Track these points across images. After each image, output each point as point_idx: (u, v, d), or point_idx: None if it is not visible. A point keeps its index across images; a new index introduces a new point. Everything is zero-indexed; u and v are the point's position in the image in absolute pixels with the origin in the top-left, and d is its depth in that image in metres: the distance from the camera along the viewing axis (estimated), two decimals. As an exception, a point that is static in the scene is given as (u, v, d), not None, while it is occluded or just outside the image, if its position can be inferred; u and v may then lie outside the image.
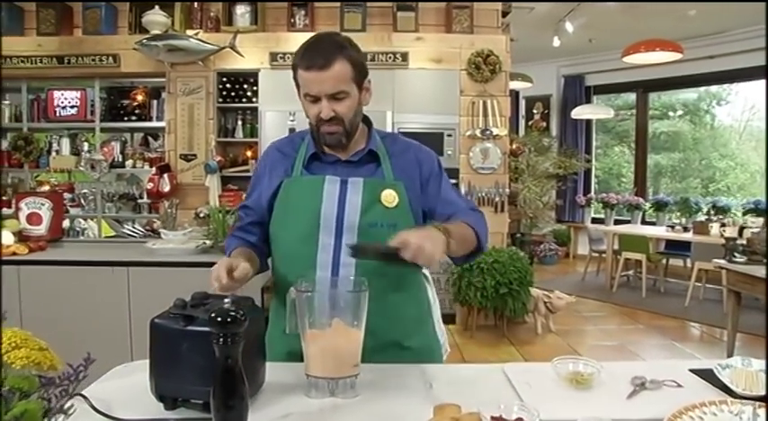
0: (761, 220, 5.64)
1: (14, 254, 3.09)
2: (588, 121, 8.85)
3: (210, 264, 2.86)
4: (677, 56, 5.74)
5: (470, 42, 4.92)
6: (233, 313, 0.91)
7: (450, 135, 4.97)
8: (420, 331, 1.55)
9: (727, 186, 8.09)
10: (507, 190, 5.06)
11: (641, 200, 7.68)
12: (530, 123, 9.24)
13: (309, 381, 1.18)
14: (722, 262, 4.23)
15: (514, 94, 9.28)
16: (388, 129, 4.80)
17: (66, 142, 5.09)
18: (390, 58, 4.89)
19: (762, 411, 1.09)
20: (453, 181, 4.74)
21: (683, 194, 7.65)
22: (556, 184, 8.71)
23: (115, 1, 5.01)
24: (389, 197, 1.43)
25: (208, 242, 3.05)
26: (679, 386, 1.25)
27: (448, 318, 5.02)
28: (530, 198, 8.37)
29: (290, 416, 1.10)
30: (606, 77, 8.51)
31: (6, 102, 5.19)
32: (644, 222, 7.73)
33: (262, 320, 1.21)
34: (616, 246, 6.65)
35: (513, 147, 6.31)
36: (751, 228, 5.13)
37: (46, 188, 5.04)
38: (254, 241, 1.53)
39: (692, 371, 1.34)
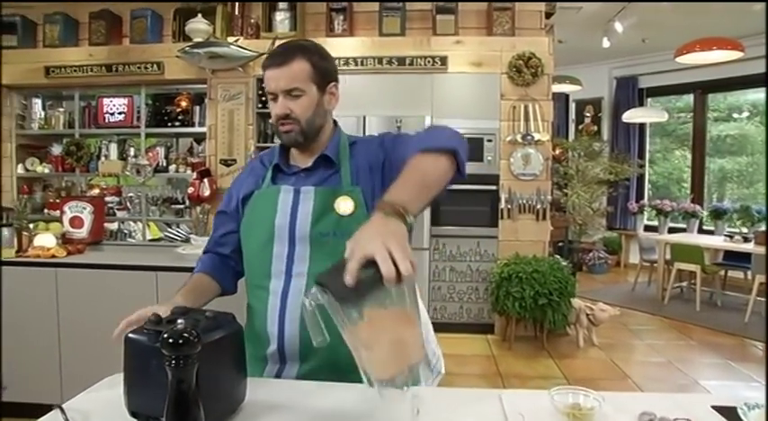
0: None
1: (53, 256, 3.19)
2: (642, 125, 8.50)
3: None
4: (737, 55, 5.41)
5: (511, 45, 4.79)
6: (186, 335, 0.86)
7: (490, 140, 4.85)
8: None
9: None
10: (549, 197, 4.88)
11: (698, 207, 7.29)
12: (580, 127, 8.95)
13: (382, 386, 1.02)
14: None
15: (564, 98, 9.04)
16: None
17: (114, 147, 5.26)
18: (429, 62, 4.82)
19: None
20: (493, 187, 4.72)
21: (751, 201, 7.21)
22: (607, 190, 8.40)
23: (159, 0, 5.10)
24: (344, 205, 1.39)
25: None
26: (691, 423, 1.13)
27: (486, 328, 4.91)
28: (579, 204, 8.11)
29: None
30: (661, 79, 8.15)
31: (61, 109, 5.41)
32: (701, 231, 7.34)
33: (240, 336, 1.17)
34: (668, 256, 6.33)
35: (556, 152, 6.09)
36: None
37: (96, 192, 5.22)
38: (227, 253, 1.55)
39: (714, 408, 1.22)
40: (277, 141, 4.84)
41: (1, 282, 3.05)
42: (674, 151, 8.86)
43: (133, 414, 1.08)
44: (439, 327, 5.03)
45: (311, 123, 1.43)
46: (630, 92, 8.52)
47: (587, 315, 4.61)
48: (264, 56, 4.66)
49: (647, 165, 8.67)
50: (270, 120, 1.60)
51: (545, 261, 4.55)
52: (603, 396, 1.15)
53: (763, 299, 5.45)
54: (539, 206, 4.82)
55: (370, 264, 0.95)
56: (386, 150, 1.45)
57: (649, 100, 8.64)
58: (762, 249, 5.50)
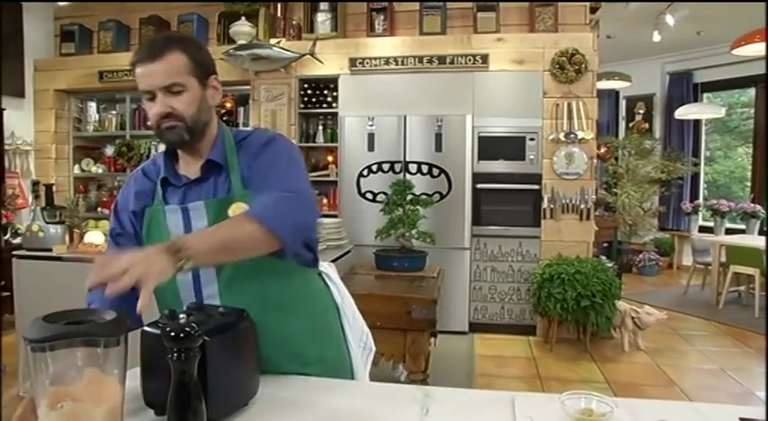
0: None
1: (101, 252, 3.34)
2: (697, 122, 8.15)
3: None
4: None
5: (554, 41, 4.69)
6: (187, 329, 0.89)
7: (532, 139, 4.76)
8: (319, 344, 1.42)
9: None
10: (594, 196, 4.76)
11: (758, 207, 6.93)
12: (630, 125, 8.66)
13: None
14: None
15: (614, 95, 8.78)
16: (468, 134, 4.71)
17: (162, 148, 5.43)
18: (470, 60, 4.77)
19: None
20: (535, 186, 4.64)
21: None
22: (659, 190, 8.10)
23: (206, 1, 5.24)
24: (239, 212, 1.25)
25: (272, 246, 3.13)
26: (712, 433, 1.08)
27: (528, 330, 4.83)
28: (629, 204, 7.86)
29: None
30: (718, 73, 7.78)
31: (114, 112, 5.66)
32: (762, 233, 6.98)
33: (252, 332, 1.19)
34: (724, 259, 6.05)
35: (602, 151, 5.92)
36: None
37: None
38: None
39: (742, 420, 1.16)
40: (319, 140, 4.90)
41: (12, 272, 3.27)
42: (737, 148, 8.43)
43: (149, 403, 1.12)
44: (479, 328, 5.01)
45: (196, 120, 1.30)
46: (685, 87, 8.18)
47: (633, 318, 4.45)
48: (306, 56, 4.75)
49: (702, 163, 8.31)
50: (148, 123, 1.38)
51: (588, 262, 4.43)
52: (617, 402, 1.11)
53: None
54: (582, 206, 4.70)
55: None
56: (251, 171, 1.33)
57: (705, 95, 8.27)
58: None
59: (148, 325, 1.13)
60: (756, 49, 5.19)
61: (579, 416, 1.09)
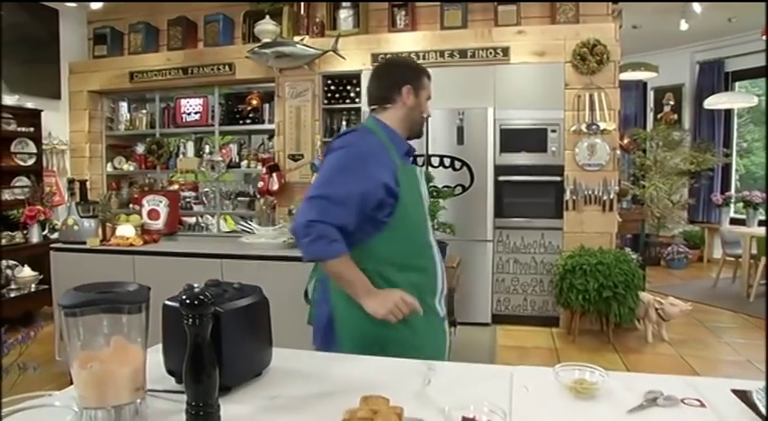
0: None
1: (132, 245, 3.48)
2: (728, 112, 7.98)
3: (296, 259, 3.02)
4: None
5: (575, 32, 4.67)
6: (201, 297, 0.97)
7: (554, 131, 4.75)
8: None
9: None
10: (617, 187, 4.73)
11: (792, 198, 6.78)
12: (659, 116, 8.53)
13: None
14: None
15: (641, 86, 8.66)
16: (490, 127, 4.75)
17: (190, 145, 5.61)
18: (491, 53, 4.79)
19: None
20: (557, 178, 4.64)
21: None
22: (688, 182, 7.97)
23: (231, 1, 5.37)
24: None
25: (294, 237, 3.21)
26: (702, 405, 1.12)
27: (551, 321, 4.84)
28: (657, 196, 7.76)
29: (277, 398, 1.15)
30: (751, 61, 7.60)
31: (144, 111, 5.83)
32: (796, 224, 6.82)
33: (265, 306, 1.27)
34: (755, 251, 5.95)
35: (624, 142, 5.86)
36: None
37: (175, 187, 5.60)
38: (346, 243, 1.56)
39: (734, 391, 1.20)
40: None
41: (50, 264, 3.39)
42: (776, 139, 8.21)
43: (169, 371, 1.21)
44: (502, 319, 5.04)
45: None
46: (715, 76, 8.02)
47: (656, 309, 4.43)
48: (328, 53, 4.82)
49: (734, 154, 8.14)
50: (424, 115, 1.79)
51: (610, 253, 4.42)
52: (610, 373, 1.16)
53: None
54: (605, 197, 4.68)
55: None
56: None
57: (737, 84, 8.10)
58: None
59: (168, 299, 1.23)
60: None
61: (572, 385, 1.15)
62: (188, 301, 0.97)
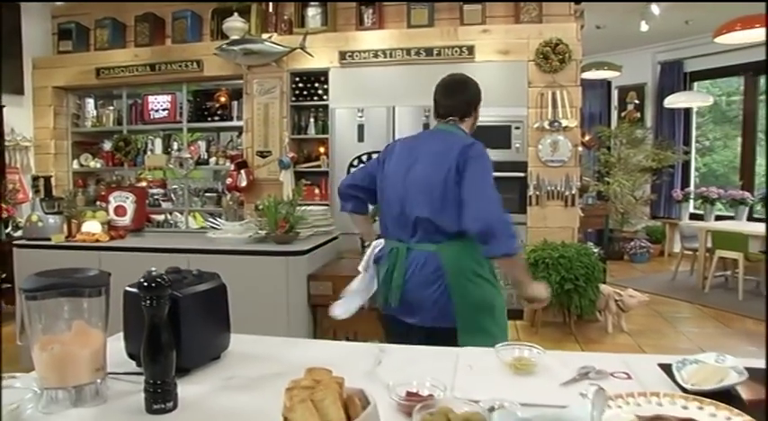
0: None
1: (98, 240, 3.48)
2: (687, 111, 8.25)
3: (263, 253, 3.06)
4: (781, 33, 5.20)
5: (538, 32, 4.80)
6: (158, 279, 1.03)
7: (518, 128, 4.87)
8: None
9: None
10: (578, 183, 4.88)
11: (747, 194, 7.04)
12: (623, 114, 8.76)
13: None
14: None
15: (606, 85, 8.88)
16: (455, 124, 4.83)
17: (158, 142, 5.59)
18: (456, 51, 4.89)
19: (694, 404, 1.05)
20: (521, 174, 4.77)
21: None
22: (650, 179, 8.22)
23: (198, 1, 5.37)
24: None
25: (261, 232, 3.26)
26: (629, 378, 1.22)
27: (516, 314, 4.94)
28: (620, 192, 7.98)
29: (233, 379, 1.21)
30: (708, 62, 7.88)
31: (111, 107, 5.79)
32: (752, 219, 7.09)
33: (222, 292, 1.33)
34: (710, 244, 6.18)
35: (586, 139, 6.03)
36: None
37: (143, 184, 5.57)
38: None
39: (660, 365, 1.30)
40: (310, 132, 5.01)
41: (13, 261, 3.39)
42: (736, 138, 8.46)
43: (130, 356, 1.26)
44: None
45: None
46: (676, 76, 8.28)
47: (616, 301, 4.59)
48: (296, 50, 4.86)
49: (692, 151, 8.41)
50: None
51: (572, 247, 4.55)
52: (547, 351, 1.25)
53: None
54: (567, 192, 4.82)
55: None
56: None
57: (696, 84, 8.37)
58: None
59: (129, 286, 1.28)
60: (738, 37, 5.30)
61: (512, 362, 1.23)
62: (146, 284, 1.02)
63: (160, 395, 1.04)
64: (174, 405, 1.06)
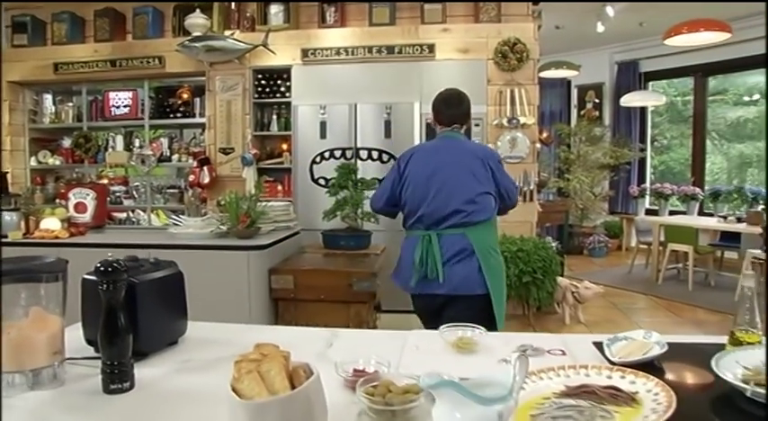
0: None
1: (57, 237, 3.45)
2: (643, 109, 8.54)
3: (224, 248, 3.08)
4: (725, 36, 5.44)
5: (497, 31, 4.92)
6: (114, 264, 1.07)
7: (477, 125, 4.97)
8: None
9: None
10: (536, 179, 5.03)
11: (697, 190, 7.33)
12: (582, 113, 9.01)
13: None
14: (757, 251, 4.06)
15: (566, 84, 9.11)
16: (416, 120, 4.93)
17: (120, 139, 5.53)
18: (417, 50, 4.98)
19: (616, 374, 1.15)
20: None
21: None
22: (609, 175, 8.47)
23: (159, 0, 5.34)
24: None
25: (222, 227, 3.28)
26: (563, 354, 1.31)
27: (476, 307, 5.07)
28: (580, 189, 8.21)
29: (189, 361, 1.26)
30: (661, 63, 8.17)
31: (70, 104, 5.70)
32: (703, 213, 7.39)
33: (179, 279, 1.38)
34: (663, 238, 6.42)
35: (543, 136, 6.21)
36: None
37: (104, 182, 5.50)
38: None
39: (594, 343, 1.40)
40: (273, 129, 5.03)
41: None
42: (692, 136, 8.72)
43: (88, 342, 1.30)
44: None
45: None
46: (632, 76, 8.55)
47: (573, 293, 4.75)
48: (259, 47, 4.88)
49: (648, 149, 8.71)
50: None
51: (530, 241, 4.69)
52: (489, 334, 1.33)
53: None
54: (526, 188, 4.96)
55: None
56: None
57: (651, 84, 8.66)
58: (753, 229, 5.57)
59: (87, 274, 1.31)
60: (685, 39, 5.54)
61: (455, 341, 1.32)
62: (102, 269, 1.07)
63: (117, 376, 1.08)
64: (131, 385, 1.11)
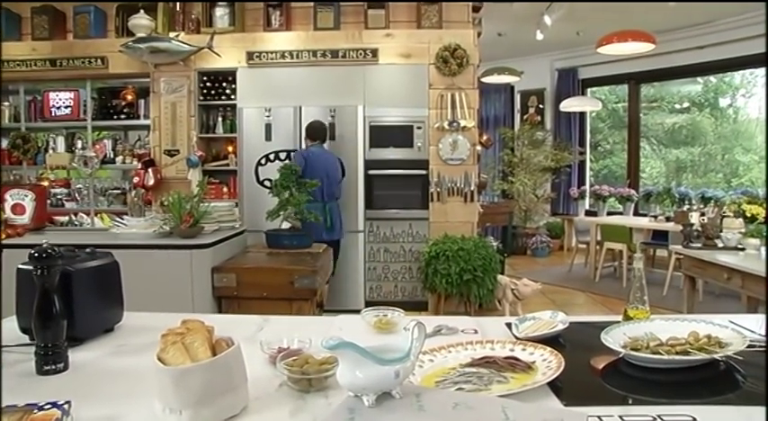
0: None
1: (-8, 238, 3.40)
2: (582, 114, 8.92)
3: (167, 247, 3.11)
4: (651, 46, 5.79)
5: (439, 37, 5.09)
6: (49, 251, 1.13)
7: (419, 128, 5.14)
8: None
9: (751, 181, 7.92)
10: (476, 180, 5.22)
11: (632, 191, 7.72)
12: (525, 117, 9.33)
13: None
14: (678, 247, 4.34)
15: (509, 89, 9.41)
16: (360, 123, 5.05)
17: (61, 140, 5.43)
18: (361, 54, 5.10)
19: (519, 348, 1.28)
20: (423, 172, 5.04)
21: (706, 189, 7.60)
22: (550, 178, 8.80)
23: (102, 0, 5.29)
24: None
25: (166, 227, 3.30)
26: (475, 332, 1.44)
27: (420, 306, 5.22)
28: (523, 191, 8.51)
29: (124, 346, 1.33)
30: (598, 70, 8.56)
31: (6, 103, 5.55)
32: (638, 214, 7.77)
33: (115, 269, 1.44)
34: (600, 237, 6.74)
35: (483, 139, 6.44)
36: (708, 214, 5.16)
37: (45, 184, 5.38)
38: None
39: (506, 324, 1.53)
40: (218, 131, 5.06)
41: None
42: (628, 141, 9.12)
43: (23, 330, 1.34)
44: (374, 306, 5.36)
45: None
46: (571, 83, 8.92)
47: (512, 290, 4.94)
48: (204, 50, 4.89)
49: (587, 152, 9.09)
50: None
51: (471, 240, 4.87)
52: (410, 315, 1.45)
53: (678, 273, 5.87)
54: (466, 189, 5.14)
55: None
56: None
57: (590, 90, 9.06)
58: (678, 227, 5.91)
59: (22, 264, 1.36)
60: (615, 48, 5.87)
61: (375, 322, 1.43)
62: (36, 255, 1.13)
63: (51, 357, 1.14)
64: (65, 366, 1.17)
